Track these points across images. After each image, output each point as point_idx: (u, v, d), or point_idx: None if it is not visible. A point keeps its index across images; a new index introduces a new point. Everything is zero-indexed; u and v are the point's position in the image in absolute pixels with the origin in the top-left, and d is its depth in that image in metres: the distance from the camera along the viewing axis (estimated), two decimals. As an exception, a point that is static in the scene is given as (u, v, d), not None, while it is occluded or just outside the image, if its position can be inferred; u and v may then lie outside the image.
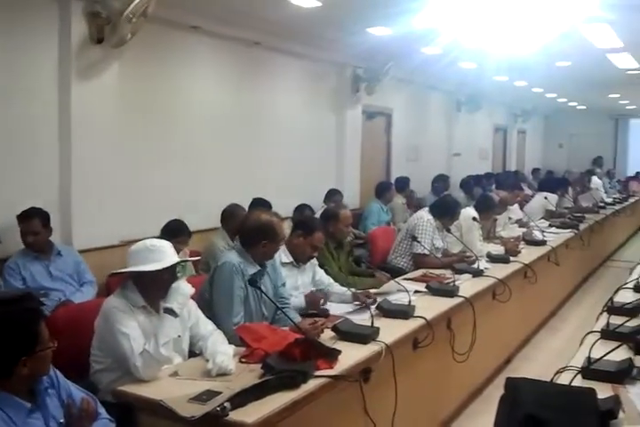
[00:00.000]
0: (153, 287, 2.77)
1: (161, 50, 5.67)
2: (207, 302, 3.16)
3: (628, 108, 15.80)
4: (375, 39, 6.86)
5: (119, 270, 2.88)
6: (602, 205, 10.24)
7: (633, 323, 3.01)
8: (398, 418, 3.09)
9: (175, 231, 4.64)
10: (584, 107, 16.06)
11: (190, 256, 4.43)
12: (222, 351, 2.71)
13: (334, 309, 3.71)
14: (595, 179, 11.58)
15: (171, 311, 2.74)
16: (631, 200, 12.59)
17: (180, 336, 2.82)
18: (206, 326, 2.96)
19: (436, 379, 3.83)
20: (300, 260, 3.87)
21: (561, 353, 4.98)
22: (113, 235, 4.98)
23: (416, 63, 8.60)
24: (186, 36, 5.91)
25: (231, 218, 4.92)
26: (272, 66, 7.15)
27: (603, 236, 9.43)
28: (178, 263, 2.83)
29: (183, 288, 2.82)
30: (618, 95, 13.25)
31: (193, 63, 6.06)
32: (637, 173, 15.59)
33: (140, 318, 2.71)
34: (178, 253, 4.36)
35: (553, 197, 8.67)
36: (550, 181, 9.98)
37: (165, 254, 2.79)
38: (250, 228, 3.33)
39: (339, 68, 8.21)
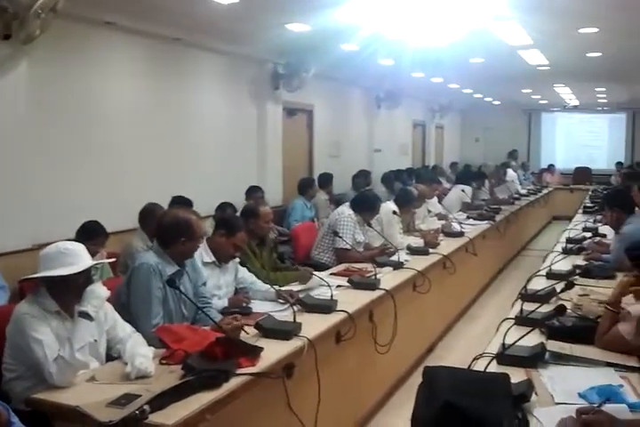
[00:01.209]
0: (66, 292, 2.68)
1: (74, 47, 5.50)
2: (124, 305, 3.09)
3: (540, 102, 16.43)
4: (294, 35, 6.86)
5: (31, 276, 2.78)
6: (517, 196, 10.62)
7: (545, 309, 3.12)
8: (322, 412, 3.12)
9: (91, 233, 4.51)
10: (499, 102, 16.59)
11: (107, 258, 4.31)
12: (141, 354, 2.66)
13: (258, 306, 3.70)
14: (510, 171, 11.98)
15: (86, 315, 2.67)
16: (545, 191, 13.14)
17: (96, 340, 2.75)
18: (124, 328, 2.89)
19: (360, 371, 3.88)
20: (221, 259, 3.84)
21: (480, 340, 5.11)
22: (25, 238, 4.80)
23: (335, 60, 8.66)
24: (100, 33, 5.75)
25: (150, 218, 4.80)
26: (192, 62, 7.05)
27: (518, 226, 9.79)
28: (92, 266, 2.75)
29: (98, 291, 2.74)
30: (530, 90, 13.75)
31: (109, 60, 5.90)
32: (550, 165, 16.26)
33: (53, 324, 2.62)
34: (94, 255, 4.31)
35: (468, 190, 8.93)
36: (467, 174, 10.28)
37: (79, 258, 2.70)
38: (167, 226, 3.27)
39: (258, 65, 8.17)
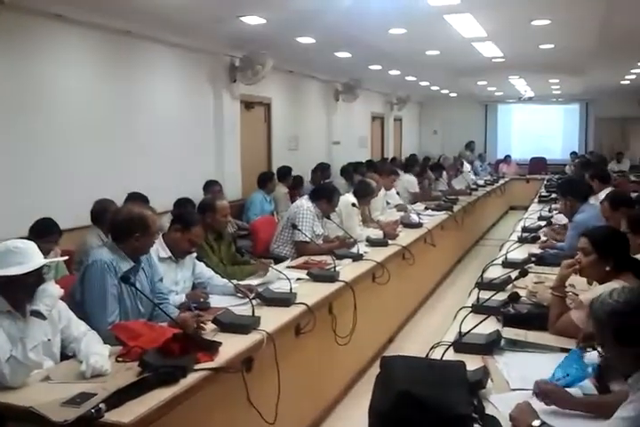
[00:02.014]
0: (17, 291, 2.61)
1: (22, 39, 5.34)
2: (79, 303, 3.03)
3: (496, 94, 16.64)
4: (249, 28, 6.81)
5: (-20, 276, 2.70)
6: (474, 187, 10.76)
7: (501, 297, 3.17)
8: (282, 405, 3.12)
9: (44, 230, 4.42)
10: (455, 94, 16.74)
11: (62, 256, 4.23)
12: (96, 352, 2.62)
13: (216, 301, 3.68)
14: (464, 163, 12.15)
15: (38, 314, 2.60)
16: (501, 182, 13.35)
17: (49, 339, 2.70)
18: (78, 327, 2.83)
19: (320, 363, 3.89)
20: (178, 254, 3.80)
21: (439, 329, 5.17)
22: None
23: (292, 53, 8.64)
24: (50, 25, 5.60)
25: (103, 214, 4.72)
26: (145, 55, 6.92)
27: (476, 216, 9.93)
28: (45, 265, 2.69)
29: (51, 290, 2.68)
30: (486, 82, 13.91)
31: (58, 53, 5.76)
32: (506, 155, 16.51)
33: (4, 323, 2.56)
34: (48, 252, 4.23)
35: (413, 180, 9.03)
36: (413, 164, 10.30)
37: (30, 256, 2.64)
38: (121, 222, 3.22)
39: (214, 58, 8.08)
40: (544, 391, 2.11)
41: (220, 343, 2.75)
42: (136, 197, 5.25)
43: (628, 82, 13.43)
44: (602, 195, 5.55)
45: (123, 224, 3.21)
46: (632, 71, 11.78)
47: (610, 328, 1.78)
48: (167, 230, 3.88)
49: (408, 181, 9.02)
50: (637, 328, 1.73)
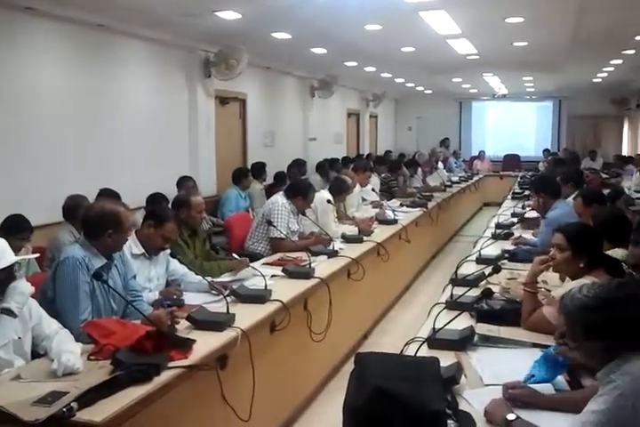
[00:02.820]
0: (-13, 289, 2.57)
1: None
2: (50, 300, 2.99)
3: (470, 91, 16.75)
4: (224, 23, 6.76)
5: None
6: (449, 184, 10.83)
7: (474, 293, 3.19)
8: (257, 402, 3.11)
9: (15, 227, 4.35)
10: (431, 91, 16.82)
11: (33, 253, 4.17)
12: (68, 350, 2.59)
13: (191, 298, 3.65)
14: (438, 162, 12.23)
15: (9, 312, 2.57)
16: (475, 178, 13.44)
17: (20, 338, 2.66)
18: (50, 325, 2.79)
19: (296, 360, 3.89)
20: (151, 251, 3.76)
21: (414, 325, 5.20)
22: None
23: (268, 48, 8.60)
24: (21, 18, 5.51)
25: (76, 210, 4.66)
26: (118, 49, 6.84)
27: (450, 213, 10.00)
28: (15, 262, 2.65)
29: (21, 287, 2.64)
30: (460, 79, 13.99)
31: (29, 46, 5.66)
32: (480, 152, 16.64)
33: (-26, 322, 2.52)
34: (19, 249, 4.17)
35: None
36: (382, 162, 10.24)
37: (1, 254, 2.59)
38: (93, 218, 3.18)
39: (188, 53, 8.01)
40: (513, 397, 2.13)
41: (193, 341, 2.73)
42: (107, 194, 5.18)
43: (600, 80, 13.61)
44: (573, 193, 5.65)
45: (95, 221, 3.16)
46: (604, 69, 11.94)
47: (579, 323, 1.80)
48: (140, 227, 3.84)
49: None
50: (606, 323, 1.75)
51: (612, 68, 11.64)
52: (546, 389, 2.22)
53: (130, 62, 7.08)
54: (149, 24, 6.80)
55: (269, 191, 7.97)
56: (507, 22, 7.04)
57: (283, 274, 4.19)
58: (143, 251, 3.74)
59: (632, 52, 9.38)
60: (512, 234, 5.48)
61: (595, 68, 11.97)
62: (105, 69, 6.65)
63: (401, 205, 7.95)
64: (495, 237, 5.39)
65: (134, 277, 3.45)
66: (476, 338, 2.80)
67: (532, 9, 6.42)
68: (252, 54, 8.21)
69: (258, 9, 6.23)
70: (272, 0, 5.88)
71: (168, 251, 3.83)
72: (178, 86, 7.95)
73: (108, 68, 6.69)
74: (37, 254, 3.34)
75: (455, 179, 11.95)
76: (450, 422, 1.97)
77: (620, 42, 8.58)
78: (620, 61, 10.59)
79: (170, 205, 4.90)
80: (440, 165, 12.28)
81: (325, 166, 10.06)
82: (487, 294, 2.80)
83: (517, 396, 2.14)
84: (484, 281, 3.72)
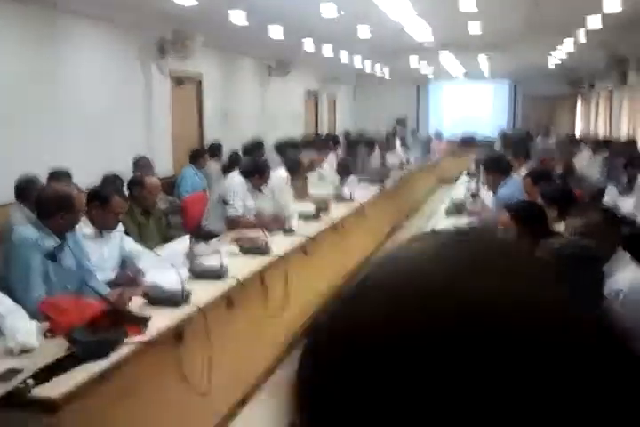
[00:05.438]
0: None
1: None
2: (3, 280, 2.98)
3: (427, 72, 16.78)
4: (180, 3, 6.66)
5: None
6: (405, 162, 10.94)
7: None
8: (215, 377, 3.16)
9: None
10: (388, 71, 16.82)
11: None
12: (23, 328, 2.59)
13: (146, 276, 3.65)
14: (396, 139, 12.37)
15: (-39, 292, 2.56)
16: (433, 158, 13.60)
17: (-27, 316, 2.65)
18: (4, 303, 2.78)
19: (253, 335, 3.93)
20: (103, 229, 3.74)
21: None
22: None
23: (224, 28, 8.50)
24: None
25: (28, 190, 4.60)
26: (69, 29, 6.68)
27: (407, 190, 10.13)
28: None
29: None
30: (417, 61, 14.02)
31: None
32: (438, 132, 16.78)
33: None
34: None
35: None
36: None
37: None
38: (46, 199, 3.18)
39: (143, 33, 7.87)
40: None
41: (149, 317, 2.76)
42: (59, 175, 5.12)
43: (556, 61, 13.78)
44: (523, 170, 5.79)
45: (48, 202, 3.16)
46: (556, 51, 12.11)
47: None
48: (88, 208, 3.79)
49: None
50: None
51: (566, 50, 11.83)
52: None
53: (82, 42, 6.93)
54: (103, 4, 6.67)
55: (225, 171, 7.96)
56: (461, 4, 7.07)
57: (239, 251, 4.22)
58: (96, 231, 3.72)
59: (583, 34, 9.55)
60: (465, 210, 5.60)
61: (548, 50, 12.14)
62: (55, 49, 6.50)
63: (359, 182, 8.01)
64: (449, 212, 5.52)
65: (88, 257, 3.44)
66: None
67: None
68: (208, 35, 8.14)
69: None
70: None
71: (122, 229, 3.82)
72: (132, 67, 7.83)
73: (60, 49, 6.55)
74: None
75: (412, 158, 12.07)
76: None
77: (572, 25, 8.74)
78: (572, 43, 10.76)
79: (126, 186, 4.86)
80: (398, 143, 12.40)
81: (283, 146, 10.04)
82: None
83: None
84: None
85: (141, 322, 2.71)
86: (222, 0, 6.86)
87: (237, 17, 7.54)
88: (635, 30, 8.58)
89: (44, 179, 5.03)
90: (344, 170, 8.79)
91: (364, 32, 9.20)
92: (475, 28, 8.84)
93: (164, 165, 8.01)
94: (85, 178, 5.32)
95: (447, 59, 13.57)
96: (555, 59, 13.38)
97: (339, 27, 8.76)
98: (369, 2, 6.92)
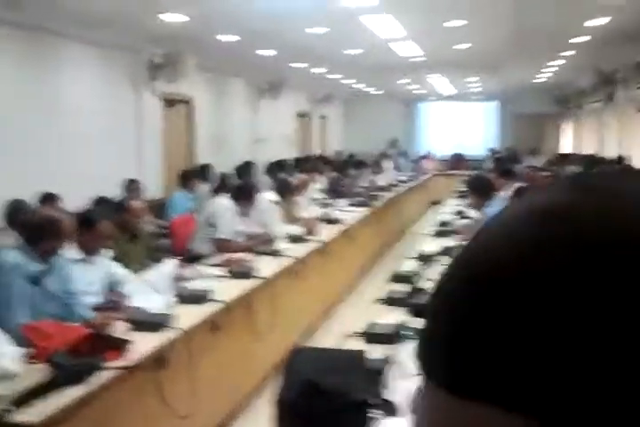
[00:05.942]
0: None
1: None
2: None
3: (417, 92, 16.98)
4: (170, 25, 6.76)
5: None
6: (395, 183, 11.00)
7: (411, 289, 3.31)
8: (199, 401, 3.16)
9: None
10: (378, 92, 16.99)
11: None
12: (5, 353, 2.59)
13: (133, 301, 3.65)
14: (385, 162, 12.44)
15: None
16: (423, 177, 13.68)
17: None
18: (-15, 328, 2.79)
19: (237, 359, 3.93)
20: (90, 253, 3.75)
21: (357, 322, 5.32)
22: None
23: (215, 50, 8.61)
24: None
25: (17, 215, 4.61)
26: (60, 52, 6.76)
27: (397, 212, 10.16)
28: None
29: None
30: (407, 81, 14.19)
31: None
32: (428, 152, 16.93)
33: None
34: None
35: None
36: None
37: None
38: (34, 224, 3.20)
39: (134, 55, 7.96)
40: None
41: (129, 341, 2.76)
42: (48, 198, 5.14)
43: (544, 79, 13.96)
44: (509, 189, 5.83)
45: (35, 227, 3.18)
46: (545, 70, 12.29)
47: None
48: (75, 233, 3.80)
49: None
50: None
51: (553, 69, 12.00)
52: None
53: (73, 65, 7.01)
54: (94, 26, 6.74)
55: (215, 193, 7.99)
56: (450, 25, 7.18)
57: (227, 274, 4.24)
58: (83, 255, 3.73)
59: (571, 53, 9.70)
60: (454, 231, 5.63)
61: (536, 69, 12.31)
62: (48, 72, 6.58)
63: (348, 204, 8.06)
64: (438, 234, 5.55)
65: (73, 281, 3.44)
66: (408, 332, 2.91)
67: (475, 11, 6.58)
68: (199, 57, 8.22)
69: (204, 11, 6.25)
70: (218, 3, 5.92)
71: (109, 254, 3.84)
72: (123, 88, 7.90)
73: (51, 71, 6.62)
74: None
75: (403, 178, 12.14)
76: (375, 411, 2.07)
77: (559, 44, 8.89)
78: (560, 62, 10.93)
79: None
80: (391, 164, 12.47)
81: (274, 168, 10.10)
82: (417, 289, 2.91)
83: None
84: (421, 278, 3.84)
85: (122, 345, 2.72)
86: (213, 24, 6.94)
87: (228, 38, 7.66)
88: (621, 48, 8.72)
89: (33, 203, 5.04)
90: (334, 192, 8.87)
91: (353, 54, 9.32)
92: (464, 48, 8.96)
93: (153, 187, 8.04)
94: (76, 201, 5.34)
95: (436, 79, 13.71)
96: (543, 78, 13.56)
97: (327, 49, 8.88)
98: (356, 26, 7.01)
